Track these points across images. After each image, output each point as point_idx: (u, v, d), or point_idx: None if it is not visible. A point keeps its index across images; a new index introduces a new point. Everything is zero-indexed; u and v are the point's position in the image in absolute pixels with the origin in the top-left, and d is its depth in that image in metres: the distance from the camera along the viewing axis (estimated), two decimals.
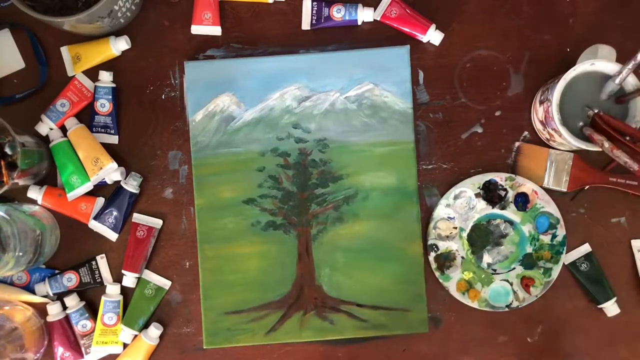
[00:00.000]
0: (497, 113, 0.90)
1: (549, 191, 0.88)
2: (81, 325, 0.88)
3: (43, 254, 0.85)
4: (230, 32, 0.91)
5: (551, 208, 0.87)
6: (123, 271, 0.88)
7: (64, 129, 0.89)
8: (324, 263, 0.88)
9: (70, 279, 0.88)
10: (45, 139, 0.89)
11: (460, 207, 0.88)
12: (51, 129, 0.89)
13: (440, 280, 0.88)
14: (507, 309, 0.87)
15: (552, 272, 0.87)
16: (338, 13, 0.89)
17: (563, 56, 0.90)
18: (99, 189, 0.89)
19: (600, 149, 0.77)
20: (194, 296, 0.89)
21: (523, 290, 0.87)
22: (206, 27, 0.89)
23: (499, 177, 0.88)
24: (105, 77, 0.89)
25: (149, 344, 0.87)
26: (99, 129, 0.89)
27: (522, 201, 0.87)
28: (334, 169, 0.88)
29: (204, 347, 0.88)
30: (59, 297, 0.89)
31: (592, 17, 0.90)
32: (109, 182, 0.88)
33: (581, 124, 0.80)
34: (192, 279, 0.89)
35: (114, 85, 0.89)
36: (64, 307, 0.88)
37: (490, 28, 0.90)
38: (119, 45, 0.88)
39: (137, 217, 0.89)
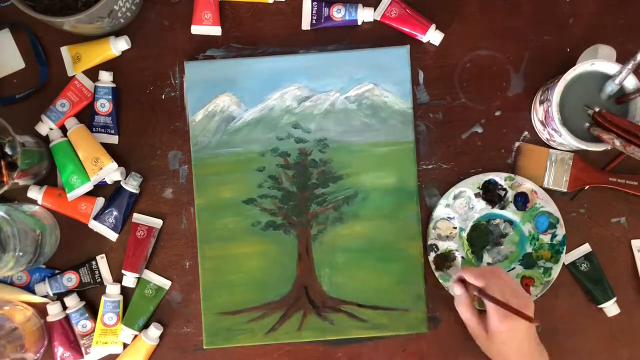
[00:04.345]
0: (497, 113, 0.90)
1: (548, 191, 0.88)
2: (81, 325, 0.88)
3: (43, 254, 0.85)
4: (230, 32, 0.91)
5: (551, 207, 0.87)
6: (123, 271, 0.88)
7: (64, 129, 0.89)
8: (324, 263, 0.88)
9: (70, 279, 0.88)
10: (45, 139, 0.89)
11: (460, 207, 0.88)
12: (51, 129, 0.89)
13: (440, 280, 0.87)
14: None
15: (552, 272, 0.87)
16: (338, 13, 0.89)
17: (563, 56, 0.90)
18: (99, 189, 0.89)
19: (610, 147, 0.76)
20: (194, 296, 0.89)
21: (523, 290, 0.87)
22: (206, 27, 0.89)
23: (499, 177, 0.88)
24: (105, 77, 0.89)
25: (149, 344, 0.87)
26: (99, 129, 0.89)
27: (521, 201, 0.87)
28: (334, 169, 0.88)
29: (204, 347, 0.88)
30: (59, 297, 0.89)
31: (592, 17, 0.90)
32: (109, 182, 0.88)
33: (587, 124, 0.80)
34: (192, 279, 0.89)
35: (114, 85, 0.89)
36: (64, 307, 0.88)
37: (490, 28, 0.90)
38: (119, 45, 0.88)
39: (137, 217, 0.89)
